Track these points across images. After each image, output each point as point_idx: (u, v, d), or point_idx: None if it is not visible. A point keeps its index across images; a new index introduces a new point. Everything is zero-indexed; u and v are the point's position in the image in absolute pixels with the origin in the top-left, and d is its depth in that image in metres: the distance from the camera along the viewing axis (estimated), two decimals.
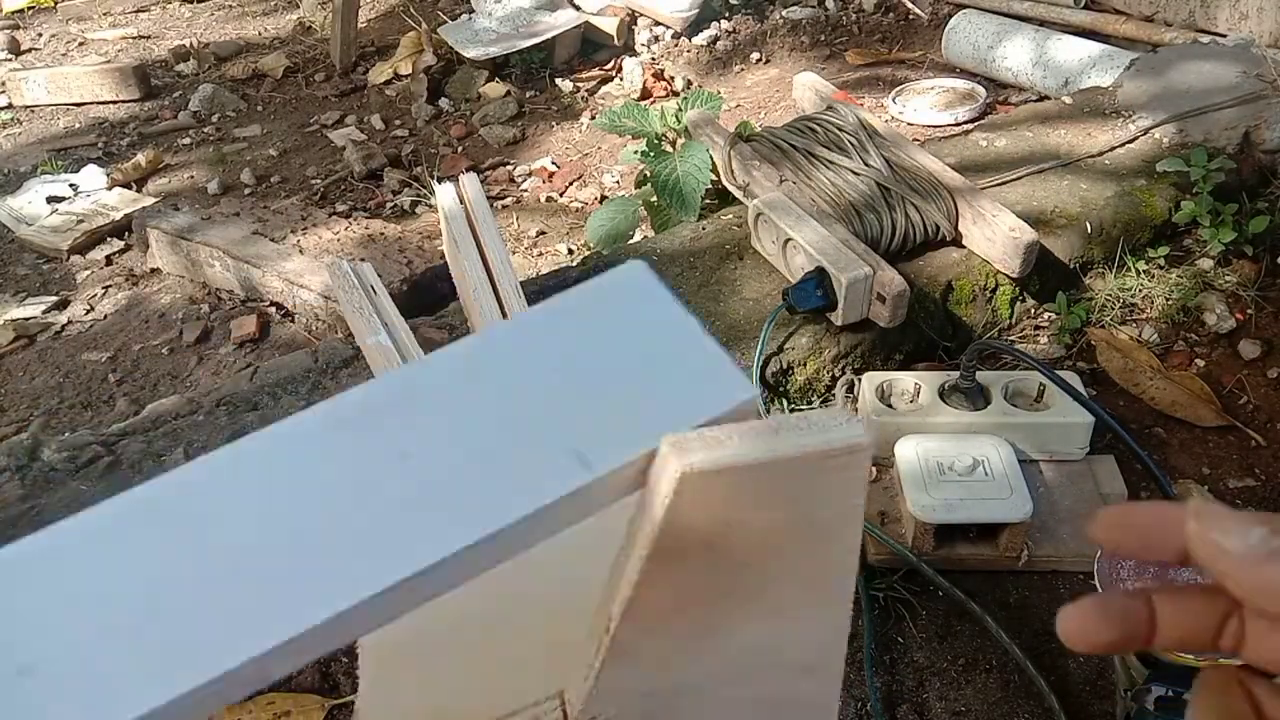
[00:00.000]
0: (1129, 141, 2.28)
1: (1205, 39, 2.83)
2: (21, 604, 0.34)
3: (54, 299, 2.67)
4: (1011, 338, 2.02)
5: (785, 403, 1.80)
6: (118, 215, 2.96)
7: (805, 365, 1.83)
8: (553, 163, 3.17)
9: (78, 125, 3.71)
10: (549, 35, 3.62)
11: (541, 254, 2.72)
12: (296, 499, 0.36)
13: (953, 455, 1.55)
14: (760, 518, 0.38)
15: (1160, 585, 0.41)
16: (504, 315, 1.72)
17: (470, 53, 3.59)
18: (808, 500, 0.38)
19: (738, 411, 0.38)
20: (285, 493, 0.36)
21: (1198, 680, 0.40)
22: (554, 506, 0.37)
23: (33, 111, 3.82)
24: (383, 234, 2.59)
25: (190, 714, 0.33)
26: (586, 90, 3.58)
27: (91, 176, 3.18)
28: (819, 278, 1.78)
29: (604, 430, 0.37)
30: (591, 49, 3.78)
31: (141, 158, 3.31)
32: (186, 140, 3.52)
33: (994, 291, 1.99)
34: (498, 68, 3.66)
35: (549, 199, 3.00)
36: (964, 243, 1.99)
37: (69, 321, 2.59)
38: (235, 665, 0.33)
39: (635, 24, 3.76)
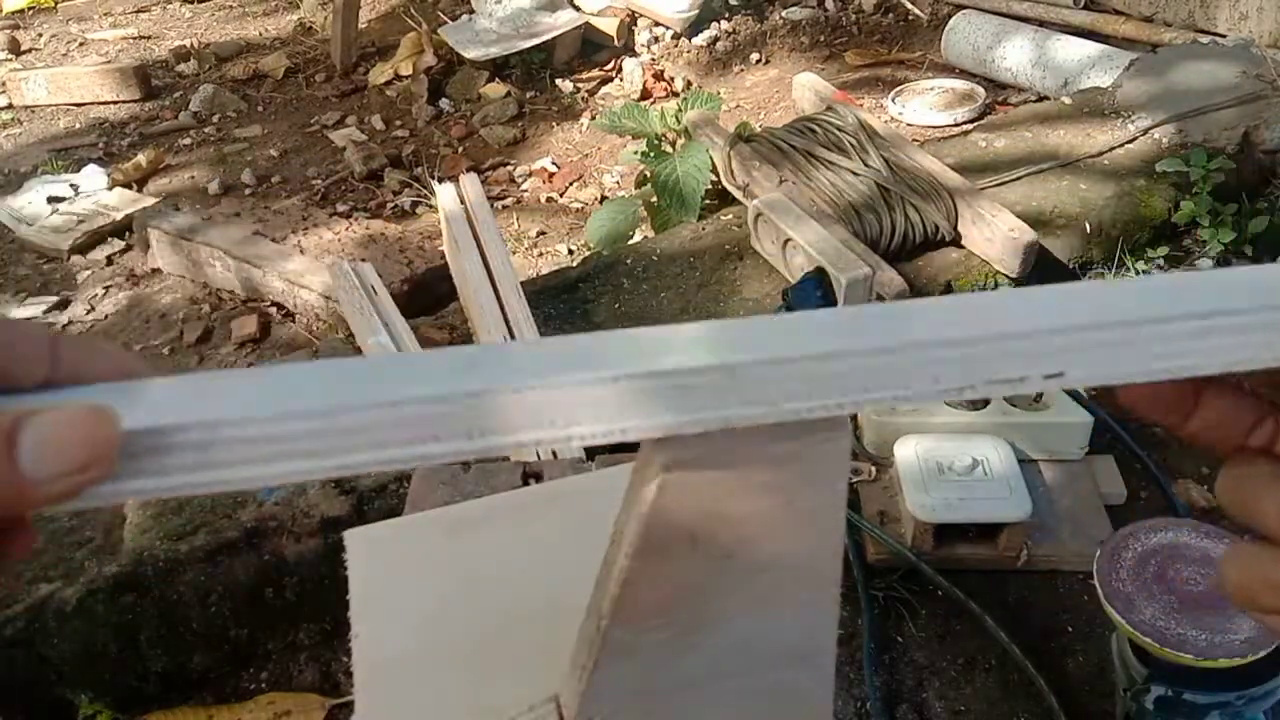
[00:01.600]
0: (1128, 142, 2.28)
1: (1205, 39, 2.83)
2: None
3: (55, 299, 2.68)
4: None
5: None
6: (118, 215, 2.96)
7: None
8: (553, 163, 3.18)
9: (78, 125, 3.72)
10: (549, 36, 3.62)
11: (542, 254, 2.72)
12: None
13: (952, 455, 1.55)
14: (744, 507, 0.38)
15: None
16: (504, 315, 1.73)
17: (471, 53, 3.59)
18: (790, 488, 0.38)
19: None
20: None
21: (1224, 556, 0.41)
22: None
23: (33, 111, 3.82)
24: (383, 234, 2.59)
25: None
26: (587, 91, 3.58)
27: (92, 177, 3.18)
28: (819, 278, 1.78)
29: None
30: (591, 49, 3.78)
31: (142, 158, 3.31)
32: (187, 140, 3.52)
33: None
34: (498, 68, 3.66)
35: (549, 199, 3.00)
36: (963, 243, 1.99)
37: (70, 321, 2.59)
38: None
39: (635, 24, 3.76)
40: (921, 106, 3.06)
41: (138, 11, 4.72)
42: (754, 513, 0.39)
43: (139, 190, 3.19)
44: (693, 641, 0.44)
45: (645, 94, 3.47)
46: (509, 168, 3.18)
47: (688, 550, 0.39)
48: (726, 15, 3.76)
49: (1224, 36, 2.92)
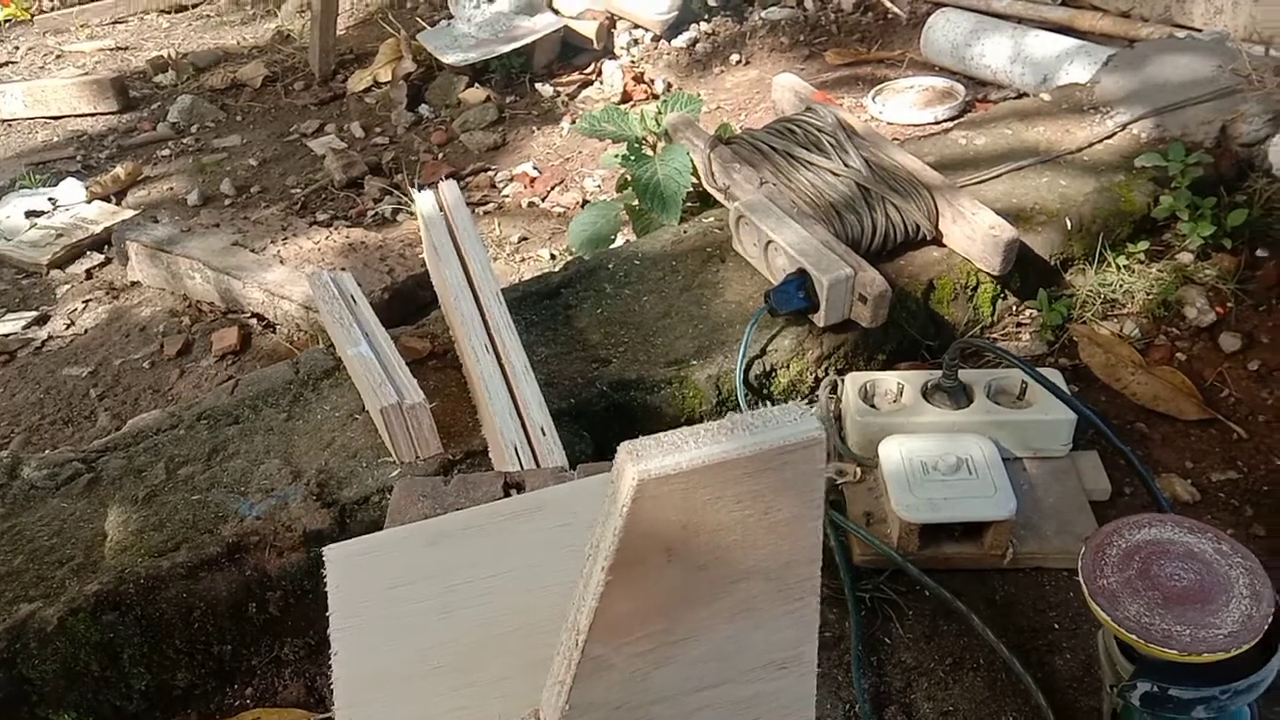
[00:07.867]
0: (1107, 137, 2.29)
1: (1181, 34, 2.84)
2: None
3: (34, 314, 2.65)
4: (994, 335, 2.02)
5: (769, 405, 1.80)
6: (97, 228, 2.94)
7: (789, 367, 1.83)
8: (534, 168, 3.17)
9: (56, 138, 3.69)
10: (528, 40, 3.61)
11: (524, 259, 2.71)
12: None
13: (937, 454, 1.55)
14: (719, 518, 0.38)
15: None
16: (485, 323, 1.72)
17: (449, 59, 3.58)
18: (766, 497, 0.38)
19: None
20: None
21: None
22: None
23: (10, 125, 3.79)
24: (363, 242, 2.58)
25: None
26: (567, 94, 3.58)
27: (70, 190, 3.16)
28: (800, 279, 1.78)
29: None
30: (571, 53, 3.77)
31: (120, 170, 3.29)
32: (166, 152, 3.50)
33: (975, 290, 2.00)
34: (477, 73, 3.66)
35: (530, 204, 2.99)
36: (945, 241, 1.99)
37: (49, 336, 2.57)
38: None
39: (614, 27, 3.76)
40: (901, 105, 3.07)
41: (115, 23, 4.69)
42: (730, 523, 0.39)
43: (118, 203, 3.17)
44: (671, 654, 0.43)
45: (625, 97, 3.46)
46: (490, 173, 3.18)
47: (664, 562, 0.39)
48: (706, 17, 3.76)
49: (1200, 31, 2.93)
